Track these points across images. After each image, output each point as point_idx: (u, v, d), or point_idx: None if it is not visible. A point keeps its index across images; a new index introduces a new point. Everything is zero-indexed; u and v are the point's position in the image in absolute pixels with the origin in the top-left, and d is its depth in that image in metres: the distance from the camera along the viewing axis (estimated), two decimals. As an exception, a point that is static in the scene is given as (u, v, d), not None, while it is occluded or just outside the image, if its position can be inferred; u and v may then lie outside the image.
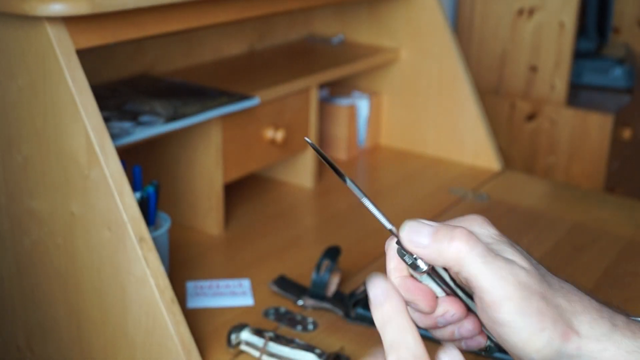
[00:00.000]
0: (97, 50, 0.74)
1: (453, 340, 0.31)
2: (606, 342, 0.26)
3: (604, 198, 0.97)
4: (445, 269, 0.29)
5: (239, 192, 0.93)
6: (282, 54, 1.02)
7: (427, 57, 1.04)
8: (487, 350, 0.32)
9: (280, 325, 0.64)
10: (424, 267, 0.28)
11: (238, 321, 0.64)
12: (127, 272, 0.58)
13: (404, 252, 0.29)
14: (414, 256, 0.29)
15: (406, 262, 0.29)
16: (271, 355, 0.59)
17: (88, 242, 0.60)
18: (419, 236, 0.27)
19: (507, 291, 0.26)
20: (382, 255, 0.32)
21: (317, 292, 0.67)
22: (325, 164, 0.29)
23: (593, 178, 1.27)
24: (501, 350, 0.30)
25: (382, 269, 0.31)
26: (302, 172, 0.96)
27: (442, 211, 0.89)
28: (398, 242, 0.29)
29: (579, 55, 1.39)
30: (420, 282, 0.30)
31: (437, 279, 0.30)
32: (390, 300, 0.25)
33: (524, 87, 1.31)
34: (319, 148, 0.29)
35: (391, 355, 0.24)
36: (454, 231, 0.28)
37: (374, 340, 0.43)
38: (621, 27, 1.56)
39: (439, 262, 0.28)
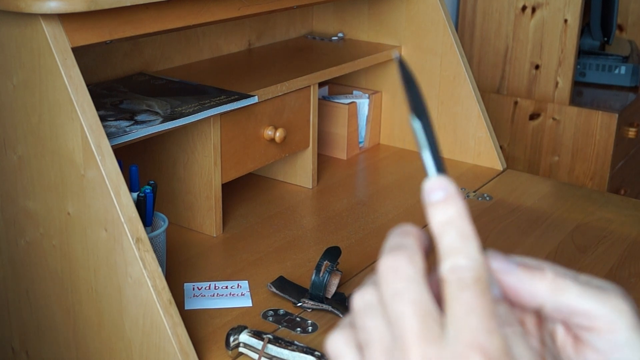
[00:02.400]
0: (93, 48, 0.73)
1: None
2: None
3: (608, 198, 0.96)
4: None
5: (238, 192, 0.92)
6: (281, 52, 1.01)
7: (428, 56, 1.03)
8: None
9: (279, 327, 0.63)
10: (495, 292, 0.24)
11: (236, 323, 0.63)
12: (123, 273, 0.57)
13: None
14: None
15: None
16: (270, 357, 0.58)
17: (84, 242, 0.59)
18: (505, 262, 0.24)
19: (616, 308, 0.23)
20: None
21: (316, 293, 0.66)
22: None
23: (597, 177, 1.26)
24: None
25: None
26: (302, 172, 0.95)
27: (443, 211, 0.88)
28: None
29: (582, 53, 1.37)
30: None
31: None
32: (456, 202, 0.23)
33: (527, 86, 1.30)
34: (408, 69, 0.23)
35: (447, 261, 0.22)
36: (541, 263, 0.26)
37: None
38: (625, 24, 1.55)
39: (524, 289, 0.24)
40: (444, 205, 0.23)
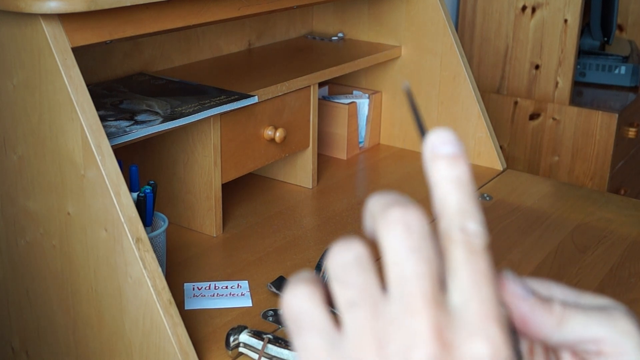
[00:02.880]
0: (93, 48, 0.73)
1: None
2: None
3: (608, 198, 0.96)
4: (514, 331, 0.24)
5: (238, 192, 0.92)
6: (281, 52, 1.01)
7: (428, 55, 1.03)
8: None
9: (279, 327, 0.63)
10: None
11: (236, 323, 0.63)
12: (123, 273, 0.57)
13: None
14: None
15: None
16: (270, 357, 0.58)
17: (84, 242, 0.59)
18: (521, 287, 0.23)
19: (623, 331, 0.23)
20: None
21: (316, 293, 0.66)
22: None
23: (597, 177, 1.26)
24: None
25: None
26: (301, 172, 0.95)
27: (443, 211, 0.88)
28: None
29: (582, 53, 1.37)
30: None
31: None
32: (466, 162, 0.21)
33: (527, 86, 1.30)
34: (414, 100, 0.23)
35: (456, 220, 0.20)
36: (550, 285, 0.25)
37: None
38: (625, 24, 1.55)
39: (533, 320, 0.23)
40: (455, 162, 0.21)
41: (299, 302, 0.20)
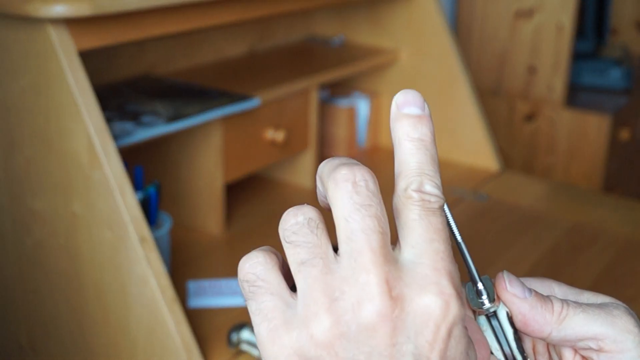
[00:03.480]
0: (98, 51, 0.74)
1: None
2: None
3: (602, 198, 0.98)
4: (515, 330, 0.24)
5: (240, 192, 0.93)
6: (283, 55, 1.02)
7: (426, 58, 1.04)
8: None
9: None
10: (488, 304, 0.23)
11: (239, 320, 0.64)
12: (128, 271, 0.58)
13: (482, 294, 0.23)
14: (485, 301, 0.23)
15: (478, 298, 0.23)
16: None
17: (90, 242, 0.60)
18: (521, 287, 0.23)
19: (624, 329, 0.22)
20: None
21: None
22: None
23: (592, 178, 1.27)
24: None
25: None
26: (302, 172, 0.96)
27: (441, 211, 0.89)
28: (480, 281, 0.23)
29: (577, 56, 1.39)
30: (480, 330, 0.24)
31: (497, 332, 0.24)
32: (430, 124, 0.20)
33: (523, 88, 1.32)
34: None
35: (414, 180, 0.19)
36: (550, 283, 0.25)
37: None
38: (619, 28, 1.57)
39: (534, 319, 0.23)
40: (420, 123, 0.20)
41: (253, 266, 0.20)
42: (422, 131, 0.20)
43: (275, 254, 0.21)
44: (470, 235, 0.84)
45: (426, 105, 0.21)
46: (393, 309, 0.18)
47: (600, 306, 0.23)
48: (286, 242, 0.20)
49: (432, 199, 0.20)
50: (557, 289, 0.25)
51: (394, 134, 0.21)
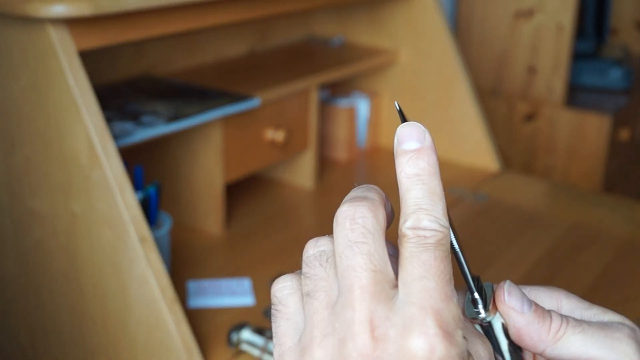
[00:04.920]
0: (98, 51, 0.74)
1: None
2: None
3: (602, 198, 0.98)
4: (510, 341, 0.23)
5: (240, 192, 0.93)
6: (283, 55, 1.02)
7: (426, 58, 1.04)
8: None
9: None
10: (483, 314, 0.22)
11: (239, 320, 0.64)
12: (128, 271, 0.58)
13: (478, 303, 0.23)
14: (481, 311, 0.23)
15: (473, 308, 0.23)
16: (272, 354, 0.59)
17: (90, 242, 0.60)
18: (520, 300, 0.22)
19: (624, 353, 0.22)
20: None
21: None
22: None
23: (591, 178, 1.27)
24: None
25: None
26: (302, 172, 0.96)
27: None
28: (478, 293, 0.23)
29: (577, 56, 1.39)
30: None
31: (492, 341, 0.24)
32: (430, 156, 0.20)
33: (523, 88, 1.32)
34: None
35: (410, 217, 0.19)
36: (555, 291, 0.24)
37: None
38: (619, 28, 1.57)
39: (529, 334, 0.22)
40: (417, 157, 0.20)
41: (279, 290, 0.21)
42: (419, 165, 0.20)
43: (299, 286, 0.22)
44: (470, 235, 0.84)
45: (427, 136, 0.20)
46: (374, 349, 0.18)
47: (602, 326, 0.23)
48: (302, 272, 0.21)
49: (428, 234, 0.19)
50: (565, 302, 0.24)
51: (397, 172, 0.21)
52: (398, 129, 0.21)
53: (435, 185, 0.20)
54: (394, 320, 0.18)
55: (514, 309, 0.22)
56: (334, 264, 0.20)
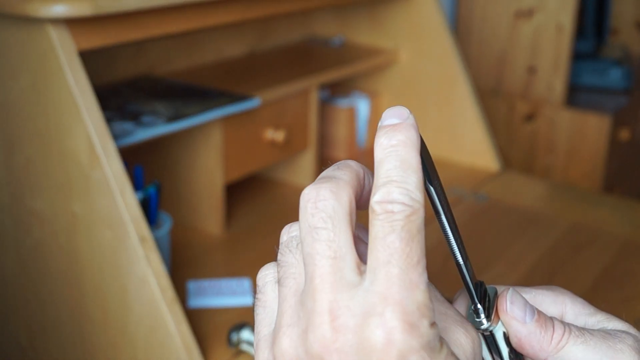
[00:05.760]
0: (98, 51, 0.74)
1: None
2: None
3: (602, 198, 0.98)
4: (512, 349, 0.23)
5: (240, 192, 0.94)
6: (283, 55, 1.02)
7: (426, 58, 1.05)
8: None
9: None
10: (486, 324, 0.22)
11: (239, 320, 0.64)
12: (128, 271, 0.58)
13: (480, 313, 0.23)
14: (483, 321, 0.23)
15: (476, 317, 0.23)
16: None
17: (90, 242, 0.60)
18: (523, 310, 0.22)
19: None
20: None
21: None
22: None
23: (591, 178, 1.27)
24: None
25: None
26: (302, 172, 0.96)
27: (441, 211, 0.89)
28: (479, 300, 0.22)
29: (577, 56, 1.39)
30: None
31: (492, 348, 0.24)
32: (408, 130, 0.18)
33: (523, 88, 1.32)
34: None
35: (380, 190, 0.18)
36: (560, 295, 0.24)
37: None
38: (619, 28, 1.57)
39: (530, 344, 0.22)
40: (393, 130, 0.18)
41: (261, 278, 0.21)
42: (395, 137, 0.19)
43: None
44: (470, 236, 0.84)
45: (410, 115, 0.19)
46: (334, 341, 0.17)
47: (605, 336, 0.22)
48: (278, 259, 0.20)
49: (396, 208, 0.18)
50: (570, 307, 0.24)
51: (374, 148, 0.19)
52: (383, 112, 0.20)
53: (410, 157, 0.18)
54: (354, 310, 0.17)
55: (516, 319, 0.22)
56: (301, 250, 0.19)
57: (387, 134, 0.19)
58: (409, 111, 0.19)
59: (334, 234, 0.18)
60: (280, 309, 0.19)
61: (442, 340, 0.18)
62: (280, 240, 0.21)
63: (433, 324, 0.18)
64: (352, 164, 0.20)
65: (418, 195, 0.18)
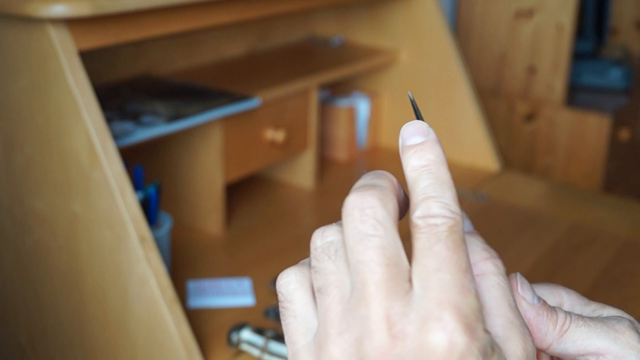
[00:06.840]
0: (98, 51, 0.74)
1: None
2: None
3: (601, 198, 0.98)
4: None
5: (240, 192, 0.94)
6: (283, 55, 1.02)
7: (426, 58, 1.05)
8: None
9: (280, 324, 0.65)
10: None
11: (239, 320, 0.64)
12: (128, 271, 0.58)
13: None
14: None
15: None
16: (272, 354, 0.59)
17: (90, 242, 0.60)
18: (531, 293, 0.22)
19: (627, 345, 0.22)
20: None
21: (317, 291, 0.67)
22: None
23: (591, 178, 1.27)
24: None
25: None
26: (302, 172, 0.96)
27: (441, 211, 0.89)
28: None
29: (577, 56, 1.39)
30: None
31: None
32: (435, 148, 0.19)
33: (523, 88, 1.32)
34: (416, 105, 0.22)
35: (419, 207, 0.18)
36: (559, 289, 0.24)
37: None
38: (619, 28, 1.57)
39: (537, 328, 0.22)
40: (422, 150, 0.20)
41: (283, 286, 0.21)
42: (425, 157, 0.20)
43: (306, 279, 0.21)
44: (470, 235, 0.84)
45: (431, 131, 0.20)
46: (393, 347, 0.17)
47: (603, 320, 0.23)
48: (311, 266, 0.20)
49: (439, 221, 0.18)
50: (566, 298, 0.24)
51: (404, 169, 0.20)
52: (402, 128, 0.20)
53: (442, 173, 0.19)
54: (411, 317, 0.18)
55: (525, 300, 0.22)
56: (344, 256, 0.19)
57: (416, 155, 0.20)
58: (427, 126, 0.20)
59: (386, 241, 0.18)
60: (325, 317, 0.19)
61: (494, 347, 0.18)
62: (313, 246, 0.20)
63: (486, 329, 0.18)
64: (388, 174, 0.21)
65: (456, 208, 0.19)
